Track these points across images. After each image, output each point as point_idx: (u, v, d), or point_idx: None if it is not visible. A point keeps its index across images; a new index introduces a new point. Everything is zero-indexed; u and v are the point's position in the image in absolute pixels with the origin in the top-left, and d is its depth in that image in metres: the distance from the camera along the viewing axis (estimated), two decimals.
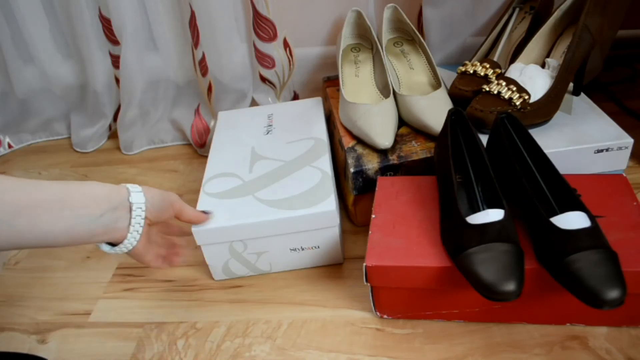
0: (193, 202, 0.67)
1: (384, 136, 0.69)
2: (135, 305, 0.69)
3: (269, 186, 0.69)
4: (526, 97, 0.65)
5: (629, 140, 0.64)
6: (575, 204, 0.53)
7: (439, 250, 0.55)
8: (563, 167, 0.57)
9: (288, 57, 0.94)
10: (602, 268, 0.46)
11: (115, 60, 0.94)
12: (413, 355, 0.57)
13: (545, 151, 0.58)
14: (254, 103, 0.97)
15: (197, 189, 0.71)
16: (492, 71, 0.73)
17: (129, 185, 0.53)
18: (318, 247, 0.68)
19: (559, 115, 0.69)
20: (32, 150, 1.08)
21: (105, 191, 0.50)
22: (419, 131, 0.74)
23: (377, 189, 0.66)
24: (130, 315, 0.67)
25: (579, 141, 0.65)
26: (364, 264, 0.56)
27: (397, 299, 0.59)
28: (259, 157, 0.75)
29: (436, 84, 0.78)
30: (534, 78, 0.68)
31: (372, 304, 0.61)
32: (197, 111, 0.99)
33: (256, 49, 0.91)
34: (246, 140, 0.79)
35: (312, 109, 0.85)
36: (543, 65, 0.71)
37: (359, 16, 0.84)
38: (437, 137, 0.66)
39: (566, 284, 0.48)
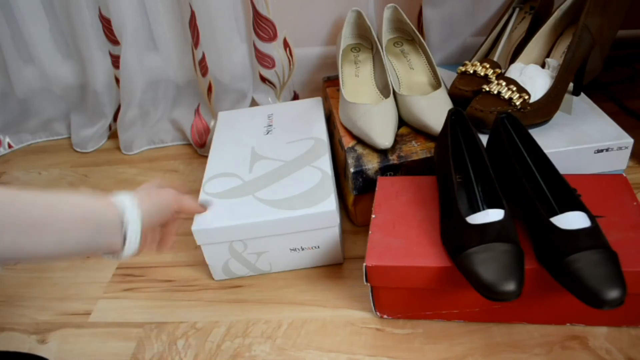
0: None
1: (384, 136, 0.69)
2: (135, 305, 0.69)
3: (269, 186, 0.69)
4: (526, 97, 0.65)
5: (629, 140, 0.64)
6: (575, 204, 0.53)
7: (439, 250, 0.55)
8: (563, 167, 0.57)
9: (288, 57, 0.94)
10: (602, 268, 0.46)
11: (115, 60, 0.94)
12: (413, 355, 0.57)
13: (545, 151, 0.58)
14: (254, 103, 0.97)
15: (197, 189, 0.71)
16: (492, 71, 0.73)
17: (124, 198, 0.49)
18: (318, 247, 0.68)
19: (559, 115, 0.69)
20: (32, 150, 1.08)
21: (96, 211, 0.47)
22: (419, 131, 0.74)
23: (377, 189, 0.66)
24: (130, 315, 0.67)
25: (579, 141, 0.65)
26: (364, 264, 0.56)
27: (397, 299, 0.59)
28: (259, 157, 0.75)
29: (436, 84, 0.78)
30: (534, 78, 0.68)
31: (372, 304, 0.61)
32: (197, 111, 0.99)
33: (256, 49, 0.91)
34: (246, 140, 0.79)
35: (312, 109, 0.85)
36: (543, 65, 0.71)
37: (359, 16, 0.84)
38: (437, 137, 0.66)
39: (566, 284, 0.48)
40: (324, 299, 0.65)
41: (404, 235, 0.58)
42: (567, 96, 0.71)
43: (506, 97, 0.66)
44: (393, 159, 0.70)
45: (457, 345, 0.57)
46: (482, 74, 0.73)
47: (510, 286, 0.47)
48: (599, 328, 0.57)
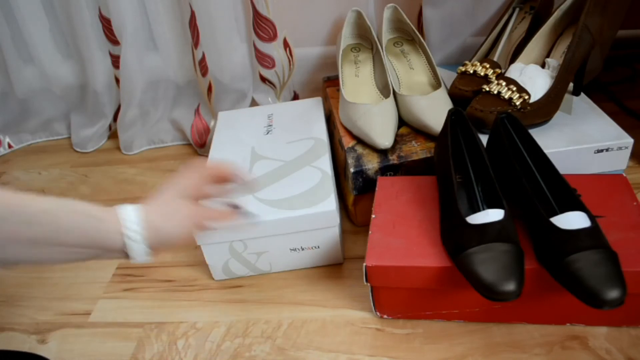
0: None
1: (384, 136, 0.69)
2: (135, 305, 0.69)
3: (269, 186, 0.69)
4: (526, 97, 0.65)
5: (629, 140, 0.64)
6: (575, 204, 0.53)
7: (439, 250, 0.55)
8: (563, 167, 0.57)
9: (288, 57, 0.94)
10: (602, 268, 0.46)
11: (115, 60, 0.94)
12: (413, 355, 0.57)
13: (545, 151, 0.58)
14: (254, 103, 0.97)
15: None
16: (492, 71, 0.73)
17: (128, 223, 0.44)
18: (318, 247, 0.68)
19: (559, 115, 0.69)
20: (32, 150, 1.08)
21: (98, 236, 0.43)
22: (419, 131, 0.74)
23: (377, 189, 0.66)
24: (130, 315, 0.67)
25: (579, 141, 0.65)
26: (364, 264, 0.56)
27: (397, 299, 0.59)
28: (259, 157, 0.75)
29: (436, 84, 0.78)
30: (534, 78, 0.68)
31: (372, 304, 0.61)
32: (197, 111, 0.99)
33: (256, 49, 0.91)
34: (246, 140, 0.79)
35: (312, 109, 0.85)
36: (543, 65, 0.71)
37: (359, 16, 0.84)
38: (437, 137, 0.66)
39: (566, 284, 0.48)
40: (324, 299, 0.65)
41: (404, 235, 0.58)
42: (567, 96, 0.71)
43: (506, 97, 0.66)
44: (393, 159, 0.70)
45: (457, 345, 0.57)
46: (482, 74, 0.73)
47: (510, 286, 0.47)
48: (599, 328, 0.57)
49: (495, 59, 0.78)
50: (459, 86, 0.74)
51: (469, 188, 0.61)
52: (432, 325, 0.60)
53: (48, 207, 0.41)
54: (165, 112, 1.01)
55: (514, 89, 0.66)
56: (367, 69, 0.84)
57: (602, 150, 0.64)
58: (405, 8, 0.84)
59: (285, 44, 0.92)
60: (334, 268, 0.70)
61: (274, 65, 0.93)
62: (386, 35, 0.85)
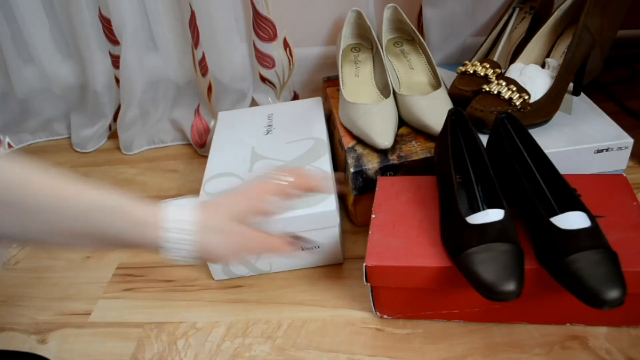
0: None
1: (384, 136, 0.69)
2: (135, 305, 0.69)
3: None
4: (526, 97, 0.65)
5: (629, 140, 0.64)
6: (575, 204, 0.53)
7: (439, 250, 0.55)
8: (563, 167, 0.57)
9: (288, 57, 0.94)
10: (602, 268, 0.46)
11: (115, 60, 0.94)
12: (413, 355, 0.57)
13: (545, 151, 0.58)
14: (254, 103, 0.97)
15: (197, 189, 0.71)
16: (492, 71, 0.73)
17: (175, 239, 0.42)
18: (318, 247, 0.68)
19: (559, 115, 0.69)
20: (32, 150, 1.08)
21: (141, 242, 0.42)
22: (419, 131, 0.74)
23: (377, 189, 0.66)
24: (130, 315, 0.67)
25: (579, 141, 0.65)
26: (364, 264, 0.56)
27: (397, 299, 0.59)
28: (259, 157, 0.75)
29: (436, 84, 0.78)
30: (534, 78, 0.68)
31: (372, 304, 0.61)
32: (197, 111, 0.99)
33: (256, 49, 0.91)
34: (246, 140, 0.79)
35: (312, 109, 0.85)
36: (543, 65, 0.71)
37: (359, 16, 0.84)
38: (437, 137, 0.66)
39: (566, 284, 0.48)
40: (324, 299, 0.65)
41: (404, 235, 0.58)
42: (567, 96, 0.71)
43: (506, 97, 0.66)
44: (393, 159, 0.70)
45: (457, 345, 0.57)
46: (482, 74, 0.73)
47: (510, 286, 0.47)
48: (599, 328, 0.57)
49: (495, 59, 0.78)
50: (459, 86, 0.74)
51: (469, 188, 0.61)
52: (432, 325, 0.60)
53: (102, 205, 0.41)
54: (165, 112, 1.01)
55: (514, 89, 0.66)
56: (367, 69, 0.84)
57: (602, 150, 0.64)
58: (405, 8, 0.84)
59: (285, 44, 0.92)
60: (334, 268, 0.70)
61: (274, 65, 0.93)
62: (386, 35, 0.85)
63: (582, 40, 0.67)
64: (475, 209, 0.59)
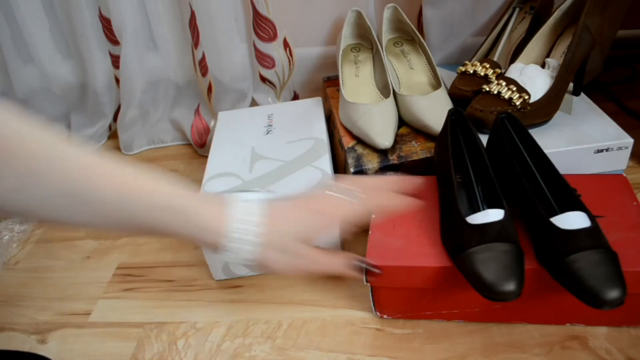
0: None
1: (384, 136, 0.69)
2: (135, 305, 0.69)
3: (269, 186, 0.69)
4: (526, 97, 0.65)
5: (629, 140, 0.64)
6: (575, 204, 0.53)
7: (439, 250, 0.55)
8: (563, 167, 0.57)
9: (288, 57, 0.94)
10: (602, 268, 0.46)
11: (115, 60, 0.94)
12: (413, 355, 0.57)
13: (545, 151, 0.58)
14: (254, 103, 0.97)
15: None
16: (492, 71, 0.73)
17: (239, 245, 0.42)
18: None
19: (559, 115, 0.69)
20: None
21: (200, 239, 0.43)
22: (419, 131, 0.74)
23: None
24: (130, 315, 0.67)
25: (579, 141, 0.65)
26: None
27: (397, 299, 0.59)
28: (259, 157, 0.75)
29: (436, 84, 0.78)
30: (534, 78, 0.68)
31: (372, 304, 0.61)
32: (197, 111, 0.99)
33: (256, 49, 0.91)
34: (246, 140, 0.79)
35: (312, 109, 0.85)
36: (543, 65, 0.71)
37: (359, 16, 0.84)
38: (437, 137, 0.66)
39: (566, 284, 0.48)
40: (324, 299, 0.65)
41: (404, 235, 0.58)
42: (567, 96, 0.71)
43: (506, 97, 0.66)
44: (393, 159, 0.70)
45: (457, 345, 0.57)
46: (482, 74, 0.73)
47: (510, 286, 0.47)
48: (599, 328, 0.57)
49: (495, 59, 0.78)
50: (459, 86, 0.74)
51: (469, 188, 0.61)
52: (432, 325, 0.60)
53: (166, 204, 0.41)
54: (165, 112, 1.01)
55: (514, 89, 0.66)
56: (367, 69, 0.84)
57: (602, 150, 0.64)
58: (405, 8, 0.84)
59: (285, 44, 0.92)
60: None
61: (274, 65, 0.93)
62: (386, 35, 0.85)
63: (582, 40, 0.67)
64: (475, 209, 0.59)
